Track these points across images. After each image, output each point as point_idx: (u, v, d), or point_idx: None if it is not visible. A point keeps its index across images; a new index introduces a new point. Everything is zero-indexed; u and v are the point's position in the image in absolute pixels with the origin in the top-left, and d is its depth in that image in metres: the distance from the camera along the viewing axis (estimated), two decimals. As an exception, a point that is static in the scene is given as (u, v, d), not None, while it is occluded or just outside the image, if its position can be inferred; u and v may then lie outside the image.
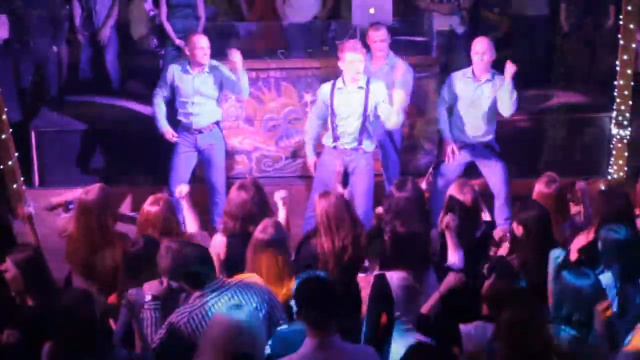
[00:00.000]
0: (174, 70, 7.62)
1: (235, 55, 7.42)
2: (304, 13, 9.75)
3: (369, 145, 7.28)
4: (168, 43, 9.52)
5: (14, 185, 8.04)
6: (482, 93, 7.28)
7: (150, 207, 5.70)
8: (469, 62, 7.52)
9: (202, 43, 7.39)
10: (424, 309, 4.93)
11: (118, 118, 9.22)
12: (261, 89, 8.71)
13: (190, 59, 7.52)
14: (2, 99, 7.89)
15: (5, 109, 7.94)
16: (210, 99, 7.67)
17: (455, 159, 7.59)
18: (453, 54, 9.56)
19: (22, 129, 8.80)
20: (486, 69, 7.22)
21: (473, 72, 7.34)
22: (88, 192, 5.75)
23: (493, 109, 7.33)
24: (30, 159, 8.83)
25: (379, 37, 7.56)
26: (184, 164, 7.77)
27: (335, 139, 7.17)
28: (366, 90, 6.99)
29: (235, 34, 9.73)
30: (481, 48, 7.17)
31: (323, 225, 5.48)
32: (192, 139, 7.69)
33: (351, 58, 6.92)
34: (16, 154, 8.08)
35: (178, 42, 9.23)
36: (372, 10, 8.20)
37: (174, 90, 7.67)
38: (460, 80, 7.42)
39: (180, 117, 7.76)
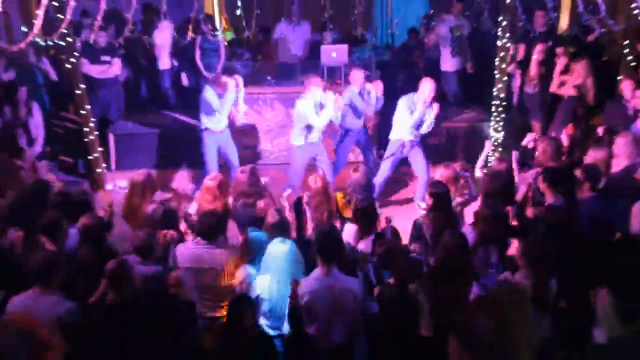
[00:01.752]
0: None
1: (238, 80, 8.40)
2: (292, 56, 10.60)
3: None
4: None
5: (98, 170, 9.07)
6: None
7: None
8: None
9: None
10: None
11: (166, 124, 10.13)
12: (261, 105, 9.69)
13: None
14: (91, 114, 8.88)
15: (93, 119, 8.94)
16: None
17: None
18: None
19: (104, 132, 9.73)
20: None
21: None
22: (138, 174, 6.44)
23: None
24: (108, 153, 9.80)
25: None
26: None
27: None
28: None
29: (245, 68, 10.41)
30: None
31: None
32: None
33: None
34: (100, 149, 9.13)
35: (205, 74, 10.03)
36: (334, 54, 9.26)
37: None
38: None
39: None
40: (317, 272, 4.62)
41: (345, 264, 5.08)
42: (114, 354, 4.41)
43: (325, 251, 4.60)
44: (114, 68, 9.89)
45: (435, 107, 8.11)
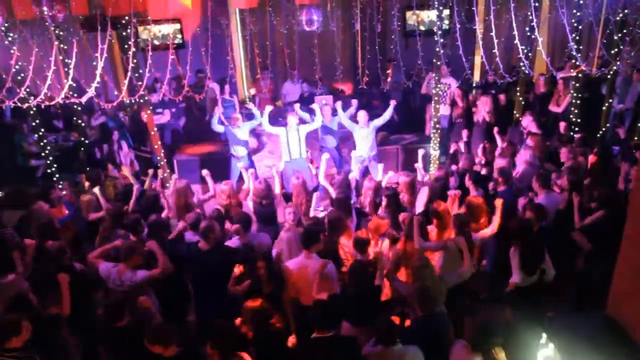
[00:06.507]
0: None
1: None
2: (293, 99, 10.59)
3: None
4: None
5: (167, 184, 8.38)
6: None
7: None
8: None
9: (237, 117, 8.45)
10: None
11: (209, 153, 9.94)
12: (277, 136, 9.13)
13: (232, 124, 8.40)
14: (161, 147, 8.68)
15: (162, 151, 8.69)
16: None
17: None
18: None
19: (170, 158, 9.58)
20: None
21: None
22: (179, 181, 6.40)
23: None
24: (173, 171, 9.42)
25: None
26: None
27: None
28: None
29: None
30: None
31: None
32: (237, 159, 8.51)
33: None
34: (168, 170, 8.87)
35: (225, 121, 9.11)
36: (324, 101, 9.24)
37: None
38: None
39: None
40: (301, 255, 4.79)
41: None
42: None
43: (304, 243, 4.82)
44: (165, 117, 10.07)
45: (371, 125, 8.09)
